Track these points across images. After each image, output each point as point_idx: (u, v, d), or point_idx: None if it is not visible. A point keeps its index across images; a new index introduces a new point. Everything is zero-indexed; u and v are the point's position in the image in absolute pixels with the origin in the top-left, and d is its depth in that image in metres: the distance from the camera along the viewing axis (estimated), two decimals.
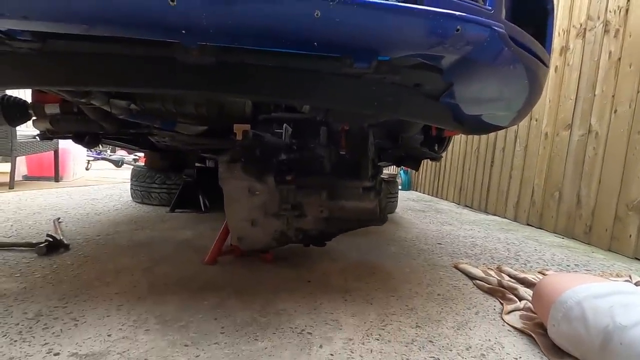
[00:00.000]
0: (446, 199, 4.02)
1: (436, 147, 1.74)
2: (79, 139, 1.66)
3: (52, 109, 1.50)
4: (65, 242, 1.50)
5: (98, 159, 6.17)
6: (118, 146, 2.69)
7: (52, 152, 3.64)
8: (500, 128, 1.28)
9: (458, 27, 0.67)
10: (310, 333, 0.87)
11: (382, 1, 0.63)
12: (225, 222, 1.38)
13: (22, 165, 3.89)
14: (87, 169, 5.41)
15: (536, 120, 2.64)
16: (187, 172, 2.47)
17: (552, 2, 0.98)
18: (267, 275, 1.26)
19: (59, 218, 1.94)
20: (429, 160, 1.96)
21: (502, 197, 2.98)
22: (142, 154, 5.79)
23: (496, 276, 1.34)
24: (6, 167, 3.84)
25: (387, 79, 0.87)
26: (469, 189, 3.56)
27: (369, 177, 1.09)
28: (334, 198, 1.11)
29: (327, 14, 0.62)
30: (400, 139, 1.66)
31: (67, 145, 3.88)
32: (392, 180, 2.86)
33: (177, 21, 0.62)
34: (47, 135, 1.58)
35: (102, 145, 6.69)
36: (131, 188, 2.72)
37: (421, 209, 3.21)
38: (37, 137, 3.24)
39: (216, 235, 1.39)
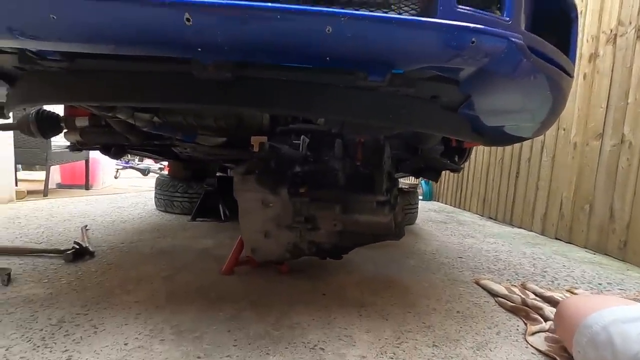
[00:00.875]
0: (469, 210, 3.91)
1: (456, 158, 1.70)
2: (106, 150, 1.73)
3: (81, 122, 1.57)
4: (91, 249, 1.55)
5: (126, 168, 6.42)
6: (143, 156, 2.79)
7: (83, 161, 3.81)
8: (523, 139, 1.24)
9: (473, 39, 0.65)
10: (322, 349, 0.86)
11: (393, 15, 0.63)
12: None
13: (56, 173, 4.10)
14: (115, 177, 5.63)
15: (564, 130, 2.54)
16: (208, 181, 2.52)
17: (576, 10, 0.95)
18: (282, 286, 1.26)
19: (86, 225, 2.02)
20: (449, 171, 1.92)
21: (528, 209, 2.87)
22: (166, 163, 5.97)
23: (520, 294, 1.28)
24: (42, 175, 4.06)
25: (402, 92, 0.86)
26: (492, 200, 3.45)
27: (384, 191, 1.08)
28: (348, 212, 1.10)
29: (339, 29, 0.62)
30: (419, 150, 1.64)
31: (96, 155, 4.05)
32: (411, 191, 2.82)
33: (193, 39, 0.64)
34: (77, 147, 1.66)
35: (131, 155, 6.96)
36: (155, 197, 2.81)
37: (442, 220, 3.14)
38: (68, 148, 3.42)
39: (234, 245, 1.40)
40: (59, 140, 3.85)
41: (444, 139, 1.67)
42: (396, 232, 1.15)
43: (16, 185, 3.61)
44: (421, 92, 0.88)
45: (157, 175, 2.91)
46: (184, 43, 0.65)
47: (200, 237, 1.96)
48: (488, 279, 1.44)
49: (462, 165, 1.72)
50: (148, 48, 0.69)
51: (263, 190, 1.12)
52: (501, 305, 1.20)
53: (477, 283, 1.42)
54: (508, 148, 3.22)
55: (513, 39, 0.69)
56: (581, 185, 2.35)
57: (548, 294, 1.28)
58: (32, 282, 1.19)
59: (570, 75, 0.94)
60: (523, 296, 1.25)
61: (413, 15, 0.66)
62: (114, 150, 1.72)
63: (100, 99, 0.89)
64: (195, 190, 2.65)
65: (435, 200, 4.90)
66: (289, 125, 1.32)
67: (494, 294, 1.29)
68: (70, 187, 3.99)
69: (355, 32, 0.63)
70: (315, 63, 0.71)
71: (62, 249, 1.50)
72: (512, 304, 1.18)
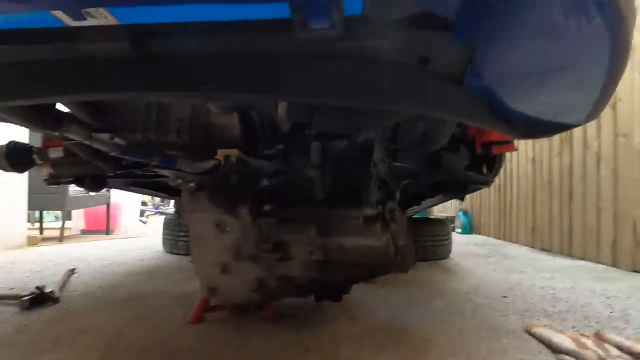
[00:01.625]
0: (516, 242, 3.38)
1: (485, 170, 1.37)
2: (80, 182, 1.59)
3: (55, 152, 1.45)
4: (57, 295, 1.35)
5: (156, 213, 6.50)
6: (146, 193, 2.68)
7: (105, 206, 3.82)
8: (570, 127, 0.91)
9: None
10: None
11: None
12: None
13: (81, 220, 4.14)
14: (144, 222, 5.68)
15: (624, 137, 2.10)
16: None
17: None
18: (255, 340, 0.96)
19: (74, 269, 1.86)
20: (479, 187, 1.57)
21: (591, 237, 2.36)
22: None
23: (595, 347, 0.88)
24: (69, 223, 4.12)
25: (375, 51, 0.60)
26: (544, 229, 2.94)
27: (373, 202, 0.78)
28: (327, 234, 0.81)
29: None
30: (438, 162, 1.33)
31: (119, 199, 4.07)
32: (441, 220, 2.44)
33: None
34: (52, 180, 1.53)
35: (161, 200, 7.09)
36: (162, 237, 2.65)
37: (484, 254, 2.67)
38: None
39: None
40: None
41: (467, 147, 1.36)
42: (399, 261, 0.83)
43: (41, 232, 3.67)
44: (403, 51, 0.62)
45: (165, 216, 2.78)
46: None
47: (192, 278, 1.71)
48: (545, 326, 1.04)
49: (492, 178, 1.38)
50: None
51: (217, 211, 0.87)
52: None
53: (529, 332, 1.02)
54: (555, 166, 2.77)
55: None
56: None
57: (638, 347, 0.87)
58: None
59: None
60: (600, 351, 0.85)
61: None
62: (88, 182, 1.58)
63: None
64: None
65: (476, 234, 4.37)
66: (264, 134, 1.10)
67: (555, 349, 0.90)
68: (93, 232, 3.98)
69: None
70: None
71: (22, 294, 1.31)
72: None
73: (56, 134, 1.06)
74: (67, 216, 3.65)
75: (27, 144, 1.47)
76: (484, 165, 1.36)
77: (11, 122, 1.08)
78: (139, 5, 0.51)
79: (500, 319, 1.16)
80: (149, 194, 2.63)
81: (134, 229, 4.54)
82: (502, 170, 3.70)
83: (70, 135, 1.07)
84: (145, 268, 2.02)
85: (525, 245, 3.18)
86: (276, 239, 0.85)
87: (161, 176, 1.78)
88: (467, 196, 4.83)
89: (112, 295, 1.44)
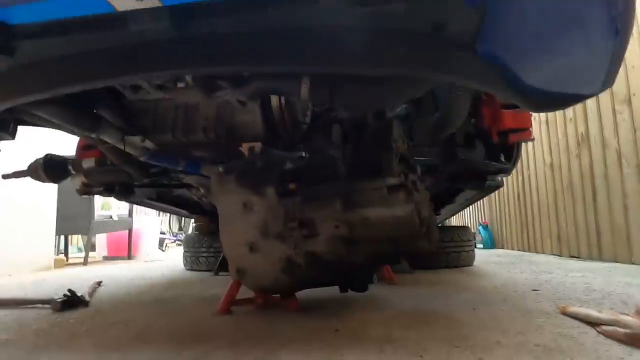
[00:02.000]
0: (542, 252, 3.26)
1: (503, 158, 1.38)
2: (109, 190, 1.66)
3: (88, 163, 1.54)
4: (87, 299, 1.38)
5: (175, 241, 6.56)
6: (169, 211, 2.75)
7: (127, 232, 3.90)
8: (586, 97, 0.92)
9: None
10: None
11: None
12: None
13: (103, 248, 4.22)
14: (163, 250, 5.74)
15: None
16: None
17: None
18: (283, 325, 0.96)
19: (100, 281, 1.89)
20: (498, 179, 1.56)
21: (620, 237, 2.27)
22: None
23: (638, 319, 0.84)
24: (93, 254, 4.20)
25: (392, 17, 0.65)
26: (570, 236, 2.84)
27: (395, 173, 0.81)
28: (352, 206, 0.83)
29: None
30: (454, 153, 1.35)
31: (140, 226, 4.16)
32: (462, 226, 2.40)
33: None
34: (84, 190, 1.61)
35: (179, 228, 7.17)
36: (183, 255, 2.68)
37: (509, 262, 2.59)
38: (111, 217, 3.53)
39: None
40: (102, 212, 4.05)
41: (483, 138, 1.38)
42: (424, 233, 0.84)
43: (66, 256, 3.75)
44: (416, 17, 0.67)
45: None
46: None
47: (215, 287, 1.72)
48: (580, 307, 1.01)
49: (512, 167, 1.38)
50: None
51: (244, 192, 0.90)
52: (608, 335, 0.78)
53: (565, 313, 0.99)
54: (574, 167, 2.72)
55: None
56: None
57: None
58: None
59: None
60: None
61: None
62: (118, 190, 1.64)
63: (41, 88, 0.79)
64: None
65: (498, 248, 4.24)
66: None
67: (594, 321, 0.87)
68: (114, 258, 4.04)
69: None
70: None
71: (54, 298, 1.35)
72: (626, 331, 0.76)
73: (93, 135, 1.14)
74: (90, 246, 3.73)
75: (63, 156, 1.56)
76: (501, 155, 1.36)
77: (53, 127, 1.17)
78: None
79: (533, 304, 1.13)
80: (170, 212, 2.69)
81: (154, 255, 4.59)
82: (520, 179, 3.66)
83: (106, 138, 1.15)
84: (168, 280, 2.05)
85: (553, 254, 3.07)
86: (302, 216, 0.87)
87: (185, 185, 1.85)
88: (487, 209, 4.75)
89: (138, 299, 1.46)
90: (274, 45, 0.69)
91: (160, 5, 0.65)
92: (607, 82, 0.84)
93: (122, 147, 1.18)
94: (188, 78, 0.97)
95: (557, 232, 3.03)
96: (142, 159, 1.23)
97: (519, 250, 3.76)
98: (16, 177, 1.57)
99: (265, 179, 0.90)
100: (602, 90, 0.88)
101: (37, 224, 2.69)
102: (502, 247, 4.18)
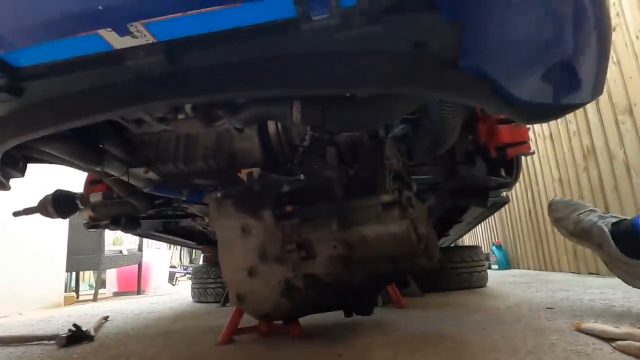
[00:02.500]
0: (559, 270, 3.14)
1: (503, 174, 1.37)
2: (116, 223, 1.68)
3: (95, 197, 1.58)
4: (92, 333, 1.37)
5: (186, 275, 6.52)
6: (176, 243, 2.75)
7: (136, 267, 3.90)
8: (577, 106, 0.92)
9: None
10: None
11: None
12: None
13: (113, 284, 4.22)
14: (173, 284, 5.70)
15: None
16: None
17: None
18: (286, 352, 0.93)
19: (107, 316, 1.88)
20: (503, 195, 1.54)
21: None
22: None
23: None
24: (103, 290, 4.20)
25: (372, 38, 0.68)
26: (587, 252, 2.74)
27: (389, 190, 0.81)
28: (349, 225, 0.83)
29: None
30: (455, 170, 1.35)
31: (149, 260, 4.16)
32: (473, 246, 2.35)
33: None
34: (91, 224, 1.64)
35: (189, 261, 7.14)
36: (191, 287, 2.66)
37: (524, 282, 2.50)
38: (121, 251, 3.55)
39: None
40: (112, 247, 4.07)
41: (482, 153, 1.38)
42: (422, 250, 0.83)
43: (77, 293, 3.74)
44: (396, 37, 0.69)
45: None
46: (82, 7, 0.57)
47: (222, 317, 1.69)
48: (596, 323, 0.96)
49: (514, 181, 1.37)
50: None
51: (242, 216, 0.91)
52: (623, 349, 0.74)
53: (580, 329, 0.94)
54: (584, 181, 2.68)
55: None
56: None
57: None
58: None
59: None
60: None
61: None
62: (124, 222, 1.67)
63: (48, 125, 0.83)
64: None
65: (514, 268, 4.11)
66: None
67: (609, 338, 0.82)
68: (124, 294, 4.03)
69: None
70: None
71: (59, 334, 1.34)
72: None
73: (98, 169, 1.17)
74: (100, 282, 3.73)
75: (71, 192, 1.61)
76: (501, 169, 1.36)
77: (60, 163, 1.21)
78: (167, 14, 0.61)
79: (546, 323, 1.08)
80: (177, 243, 2.70)
81: (164, 289, 4.56)
82: (529, 196, 3.60)
83: (110, 171, 1.18)
84: (175, 313, 2.02)
85: (570, 272, 2.95)
86: (299, 238, 0.87)
87: (190, 215, 1.88)
88: (499, 229, 4.64)
89: (144, 333, 1.44)
90: (263, 72, 0.73)
91: (154, 41, 0.69)
92: (597, 89, 0.85)
93: (126, 179, 1.21)
94: (188, 109, 1.02)
95: (574, 249, 2.93)
96: (146, 190, 1.26)
97: (535, 269, 3.63)
98: (26, 214, 1.61)
99: (263, 202, 0.91)
100: (592, 98, 0.88)
101: (47, 261, 2.72)
102: (518, 267, 4.04)
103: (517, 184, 1.79)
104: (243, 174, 1.14)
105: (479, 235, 5.68)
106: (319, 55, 0.71)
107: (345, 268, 0.85)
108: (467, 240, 4.49)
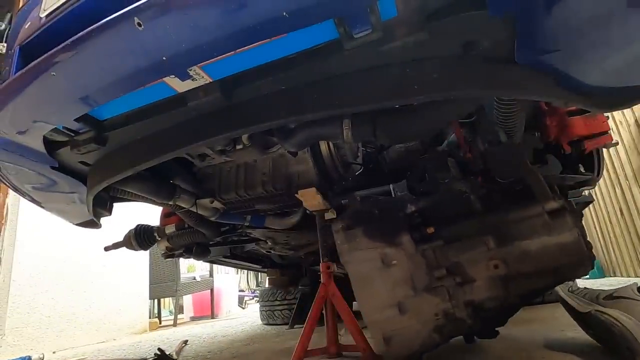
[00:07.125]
0: None
1: (582, 170, 1.23)
2: (189, 252, 1.80)
3: (170, 229, 1.72)
4: (174, 357, 1.47)
5: (254, 298, 6.72)
6: (243, 267, 2.86)
7: (209, 292, 4.11)
8: None
9: None
10: None
11: None
12: (310, 313, 1.14)
13: (189, 310, 4.49)
14: (243, 307, 5.90)
15: None
16: (302, 281, 2.37)
17: None
18: None
19: (187, 340, 2.00)
20: (585, 194, 1.38)
21: None
22: None
23: None
24: (181, 315, 4.49)
25: (418, 46, 0.66)
26: None
27: (551, 196, 0.76)
28: (509, 241, 0.77)
29: None
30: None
31: (220, 285, 4.37)
32: None
33: (152, 45, 0.63)
34: (168, 253, 1.78)
35: (257, 284, 7.37)
36: (259, 310, 2.73)
37: None
38: (195, 278, 3.78)
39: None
40: (188, 273, 4.36)
41: (554, 147, 1.25)
42: (589, 256, 0.76)
43: (159, 319, 4.04)
44: (445, 40, 0.67)
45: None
46: (147, 55, 0.64)
47: (291, 339, 1.71)
48: None
49: (596, 178, 1.22)
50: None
51: (377, 245, 0.85)
52: None
53: None
54: None
55: None
56: None
57: None
58: None
59: None
60: None
61: None
62: (195, 250, 1.78)
63: (127, 167, 0.93)
64: (294, 294, 2.49)
65: (609, 276, 3.60)
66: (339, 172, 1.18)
67: None
68: (200, 318, 4.26)
69: None
70: (281, 28, 0.61)
71: (147, 358, 1.46)
72: None
73: (170, 202, 1.28)
74: (179, 308, 3.99)
75: (150, 226, 1.77)
76: (579, 165, 1.22)
77: (139, 200, 1.34)
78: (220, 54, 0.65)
79: None
80: (244, 267, 2.80)
81: (234, 312, 4.74)
82: (618, 192, 3.17)
83: (181, 204, 1.28)
84: (247, 335, 2.08)
85: None
86: (447, 262, 0.81)
87: (253, 240, 1.95)
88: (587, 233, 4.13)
89: (220, 356, 1.50)
90: (312, 95, 0.74)
91: (211, 80, 0.75)
92: None
93: (195, 210, 1.31)
94: (244, 139, 1.08)
95: None
96: (212, 219, 1.34)
97: (637, 276, 3.15)
98: (115, 248, 1.80)
99: (398, 226, 0.85)
100: None
101: (134, 291, 2.99)
102: (614, 275, 3.54)
103: (601, 180, 1.59)
104: (300, 195, 1.16)
105: None
106: (366, 70, 0.71)
107: (504, 289, 0.77)
108: None
